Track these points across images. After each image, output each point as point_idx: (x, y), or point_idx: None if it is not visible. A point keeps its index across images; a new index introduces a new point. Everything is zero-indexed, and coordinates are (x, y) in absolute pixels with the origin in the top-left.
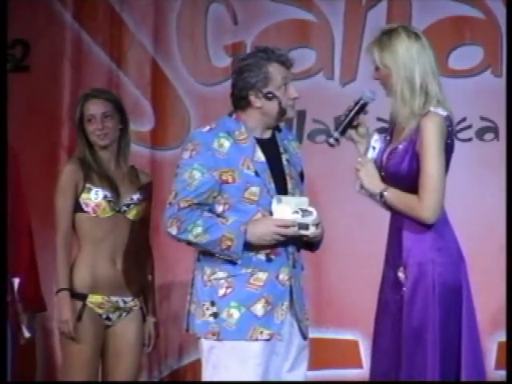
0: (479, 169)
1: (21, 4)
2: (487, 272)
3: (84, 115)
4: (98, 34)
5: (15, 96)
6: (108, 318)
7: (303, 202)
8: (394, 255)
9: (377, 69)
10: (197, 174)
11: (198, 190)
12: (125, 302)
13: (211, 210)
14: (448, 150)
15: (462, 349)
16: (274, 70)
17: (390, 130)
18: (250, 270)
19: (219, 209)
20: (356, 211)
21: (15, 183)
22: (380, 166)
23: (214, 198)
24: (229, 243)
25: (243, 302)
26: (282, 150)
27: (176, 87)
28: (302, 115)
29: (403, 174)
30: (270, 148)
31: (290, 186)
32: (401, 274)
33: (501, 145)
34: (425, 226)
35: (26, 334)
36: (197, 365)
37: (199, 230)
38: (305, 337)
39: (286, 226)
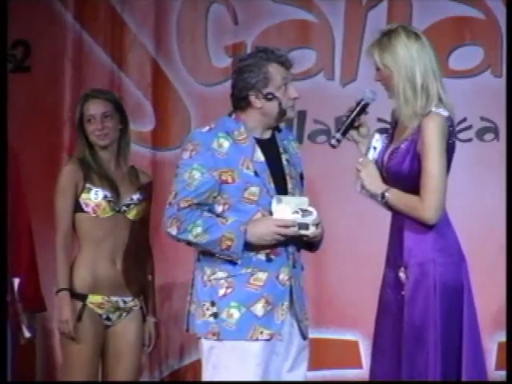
0: (479, 169)
1: (22, 4)
2: (487, 272)
3: (84, 115)
4: (99, 34)
5: (16, 96)
6: (108, 318)
7: (303, 201)
8: (395, 255)
9: (378, 70)
10: (196, 174)
11: (197, 190)
12: (125, 302)
13: (211, 210)
14: (449, 150)
15: (463, 349)
16: (274, 71)
17: (391, 130)
18: (249, 270)
19: (219, 209)
20: (356, 211)
21: (15, 183)
22: (381, 166)
23: (214, 198)
24: (229, 243)
25: (243, 302)
26: (281, 150)
27: (176, 87)
28: (302, 116)
29: (404, 174)
30: (270, 148)
31: (289, 185)
32: (402, 274)
33: (501, 145)
34: (426, 226)
35: (27, 334)
36: (197, 365)
37: (199, 230)
38: (305, 337)
39: (286, 226)
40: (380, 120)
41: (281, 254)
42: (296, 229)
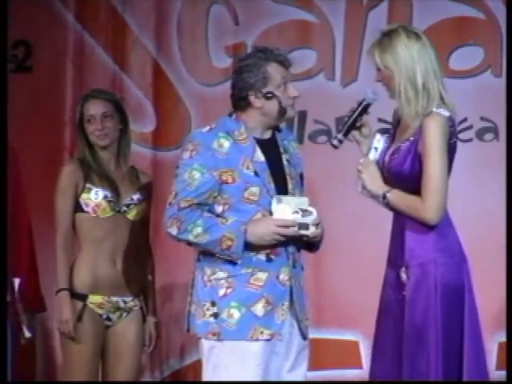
0: (479, 169)
1: (23, 4)
2: (487, 272)
3: (84, 115)
4: (101, 35)
5: (17, 96)
6: (108, 318)
7: (303, 202)
8: (397, 255)
9: (378, 70)
10: (197, 174)
11: (198, 190)
12: (125, 302)
13: (211, 211)
14: (451, 151)
15: (464, 349)
16: (273, 70)
17: (392, 131)
18: (250, 270)
19: (219, 209)
20: (356, 211)
21: (15, 183)
22: (382, 166)
23: (214, 198)
24: (229, 243)
25: (243, 302)
26: (282, 150)
27: (177, 88)
28: (302, 116)
29: (405, 174)
30: (270, 148)
31: (290, 185)
32: (403, 275)
33: (501, 145)
34: (427, 227)
35: (27, 334)
36: (198, 365)
37: (199, 230)
38: (305, 337)
39: (287, 226)
40: (381, 120)
41: (281, 254)
42: (296, 229)
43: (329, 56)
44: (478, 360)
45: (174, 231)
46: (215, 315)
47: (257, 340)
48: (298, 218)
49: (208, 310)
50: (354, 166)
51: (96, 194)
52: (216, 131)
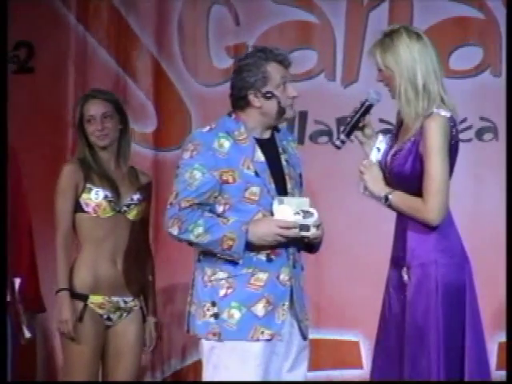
0: (478, 169)
1: (24, 5)
2: (487, 272)
3: (84, 116)
4: (103, 35)
5: (20, 97)
6: (109, 319)
7: (304, 202)
8: (399, 256)
9: (380, 71)
10: (197, 174)
11: (198, 189)
12: (125, 302)
13: (212, 211)
14: (452, 152)
15: (465, 350)
16: (273, 70)
17: (395, 131)
18: (250, 271)
19: (219, 209)
20: (357, 212)
21: (16, 183)
22: (384, 166)
23: (215, 198)
24: (230, 243)
25: (244, 302)
26: (281, 150)
27: (178, 88)
28: (303, 116)
29: (406, 175)
30: (270, 148)
31: (289, 186)
32: (404, 275)
33: (500, 145)
34: (429, 227)
35: (27, 335)
36: (198, 365)
37: (200, 229)
38: (305, 337)
39: (288, 228)
40: (382, 121)
41: (281, 255)
42: (297, 230)
43: (329, 56)
44: (479, 360)
45: (175, 231)
46: (215, 315)
47: (257, 340)
48: (300, 219)
49: (208, 310)
50: (355, 166)
51: (96, 194)
52: (216, 131)
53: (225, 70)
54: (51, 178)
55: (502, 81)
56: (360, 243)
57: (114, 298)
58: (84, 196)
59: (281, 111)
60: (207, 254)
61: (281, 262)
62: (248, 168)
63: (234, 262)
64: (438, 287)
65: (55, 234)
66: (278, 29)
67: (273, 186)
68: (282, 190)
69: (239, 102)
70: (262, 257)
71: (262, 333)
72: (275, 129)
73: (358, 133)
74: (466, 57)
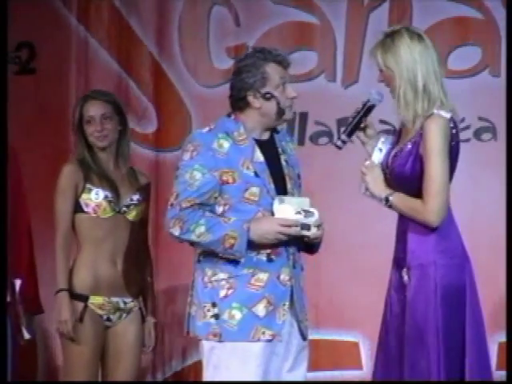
0: (477, 169)
1: (26, 6)
2: (486, 272)
3: (83, 116)
4: (104, 36)
5: (21, 98)
6: (108, 319)
7: (305, 202)
8: (399, 257)
9: (381, 71)
10: (198, 175)
11: (199, 190)
12: (125, 303)
13: (212, 211)
14: (453, 153)
15: (466, 350)
16: (272, 70)
17: (397, 132)
18: (251, 271)
19: (219, 209)
20: (357, 212)
21: (16, 184)
22: (386, 167)
23: (215, 198)
24: (232, 241)
25: (245, 302)
26: (280, 150)
27: (178, 89)
28: (303, 117)
29: (407, 176)
30: (269, 148)
31: (289, 186)
32: (404, 276)
33: (499, 145)
34: (429, 228)
35: (26, 336)
36: (199, 365)
37: (202, 229)
38: (304, 337)
39: (289, 226)
40: (382, 122)
41: (281, 255)
42: (298, 229)
43: (330, 57)
44: (480, 360)
45: (176, 231)
46: (216, 316)
47: (258, 340)
48: (301, 218)
49: (209, 311)
50: (355, 167)
51: (97, 195)
52: (216, 132)
53: (225, 71)
54: (52, 178)
55: (501, 81)
56: (360, 244)
57: (114, 299)
58: (84, 196)
59: (280, 112)
60: (207, 254)
61: (281, 262)
62: (248, 168)
63: (234, 263)
64: (438, 288)
65: (55, 235)
66: (278, 30)
67: (272, 186)
68: (281, 191)
69: (238, 102)
70: (263, 257)
71: (263, 333)
72: (274, 130)
73: (359, 133)
74: (465, 57)
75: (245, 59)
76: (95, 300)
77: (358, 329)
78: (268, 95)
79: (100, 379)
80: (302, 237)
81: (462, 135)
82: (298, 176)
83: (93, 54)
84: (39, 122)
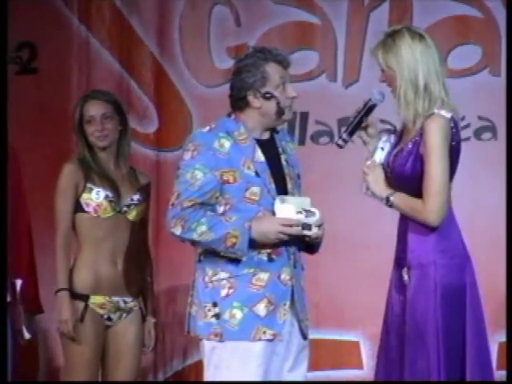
0: (477, 168)
1: (27, 6)
2: (486, 272)
3: (84, 116)
4: (105, 36)
5: (23, 98)
6: (109, 319)
7: (306, 202)
8: (400, 257)
9: (383, 71)
10: (199, 174)
11: (200, 189)
12: (125, 303)
13: (213, 211)
14: (453, 153)
15: (466, 350)
16: (272, 70)
17: (399, 131)
18: (251, 271)
19: (220, 209)
20: (358, 212)
21: (16, 184)
22: (387, 167)
23: (216, 198)
24: (234, 240)
25: (246, 302)
26: (280, 150)
27: (179, 89)
28: (304, 117)
29: (407, 176)
30: (269, 148)
31: (289, 186)
32: (405, 276)
33: (499, 144)
34: (429, 228)
35: (27, 336)
36: (200, 364)
37: (204, 228)
38: (305, 337)
39: (290, 226)
40: (382, 121)
41: (282, 254)
42: (299, 229)
43: (331, 57)
44: (481, 360)
45: (178, 231)
46: (217, 316)
47: (259, 340)
48: (302, 218)
49: (210, 310)
50: (356, 167)
51: (97, 194)
52: (216, 131)
53: (226, 71)
54: (53, 178)
55: (501, 80)
56: (360, 243)
57: (115, 298)
58: (84, 196)
59: (280, 112)
60: (208, 254)
61: (282, 262)
62: (248, 168)
63: (235, 262)
64: (437, 288)
65: (55, 234)
66: (279, 29)
67: (273, 186)
68: (282, 190)
69: (238, 102)
70: (264, 257)
71: (264, 333)
72: (274, 130)
73: (361, 132)
74: (465, 56)
75: (245, 59)
76: (96, 299)
77: (358, 328)
78: (268, 95)
79: (100, 379)
80: (303, 236)
81: (462, 134)
82: (298, 176)
83: (94, 54)
84: (40, 121)
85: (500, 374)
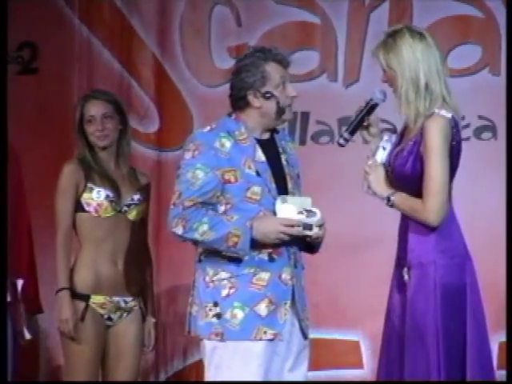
0: (477, 167)
1: (28, 6)
2: (486, 271)
3: (84, 116)
4: (106, 36)
5: (23, 98)
6: (109, 318)
7: (307, 202)
8: (401, 256)
9: (384, 71)
10: (200, 174)
11: (202, 189)
12: (126, 302)
13: (214, 210)
14: (454, 152)
15: (467, 350)
16: (272, 69)
17: (401, 131)
18: (252, 270)
19: (221, 209)
20: (358, 211)
21: (17, 184)
22: (388, 166)
23: (218, 197)
24: (235, 239)
25: (247, 302)
26: (280, 150)
27: (180, 89)
28: (305, 116)
29: (407, 175)
30: (270, 148)
31: (290, 185)
32: (405, 275)
33: (499, 143)
34: (429, 228)
35: (27, 336)
36: (200, 364)
37: (205, 227)
38: (305, 336)
39: (292, 226)
40: (382, 120)
41: (283, 254)
42: (301, 229)
43: (331, 57)
44: (482, 360)
45: (179, 231)
46: (218, 316)
47: (260, 340)
48: (303, 218)
49: (210, 310)
50: (356, 166)
51: (98, 194)
52: (217, 131)
53: (227, 71)
54: (53, 178)
55: (501, 79)
56: (361, 243)
57: (115, 298)
58: (85, 196)
59: (280, 111)
60: (209, 254)
61: (282, 262)
62: (249, 168)
63: (236, 262)
64: (437, 288)
65: (55, 234)
66: (279, 29)
67: (274, 185)
68: (282, 190)
69: (239, 102)
70: (264, 256)
71: (265, 333)
72: (274, 130)
73: (363, 132)
74: (465, 55)
75: (244, 59)
76: (96, 299)
77: (358, 328)
78: (268, 94)
79: (100, 379)
80: (304, 236)
81: (462, 134)
82: (298, 176)
83: (95, 54)
84: (41, 121)
85: (500, 374)
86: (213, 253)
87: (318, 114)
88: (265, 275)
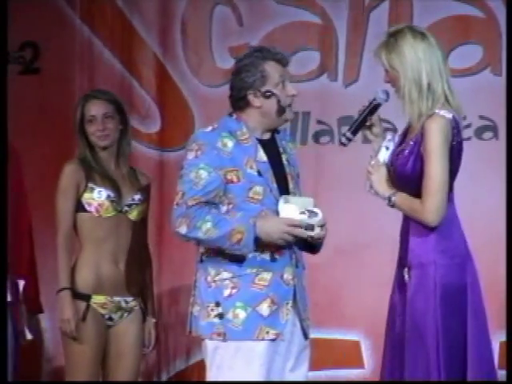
0: (478, 167)
1: (29, 6)
2: (486, 271)
3: (85, 116)
4: (107, 37)
5: (25, 98)
6: (110, 318)
7: (309, 202)
8: (402, 256)
9: (387, 72)
10: (203, 174)
11: (205, 188)
12: (126, 302)
13: (217, 209)
14: (454, 152)
15: (467, 350)
16: (271, 69)
17: (404, 131)
18: (254, 270)
19: (223, 209)
20: (359, 211)
21: (17, 184)
22: (390, 166)
23: (220, 197)
24: (239, 236)
25: (249, 302)
26: (281, 150)
27: (181, 89)
28: (306, 116)
29: (408, 175)
30: (271, 148)
31: (291, 185)
32: (405, 275)
33: (500, 144)
34: (429, 228)
35: (28, 336)
36: (202, 364)
37: (209, 225)
38: (306, 336)
39: (295, 226)
40: (383, 120)
41: (284, 254)
42: (303, 229)
43: (332, 57)
44: (483, 360)
45: (183, 230)
46: (220, 316)
47: (262, 340)
48: (305, 218)
49: (212, 310)
50: (357, 166)
51: (99, 194)
52: (219, 131)
53: (228, 71)
54: (54, 178)
55: (502, 79)
56: (361, 243)
57: (116, 298)
58: (86, 195)
59: (280, 110)
60: (210, 254)
61: (284, 262)
62: (251, 168)
63: (238, 262)
64: (437, 288)
65: (56, 234)
66: (280, 29)
67: (275, 185)
68: (284, 190)
69: (239, 102)
70: (266, 256)
71: (267, 332)
72: (275, 130)
73: (366, 131)
74: (466, 55)
75: (244, 59)
76: (97, 299)
77: (359, 328)
78: (268, 93)
79: (101, 379)
80: (306, 237)
81: (463, 134)
82: (298, 176)
83: (96, 54)
84: (43, 121)
85: (500, 374)
86: (215, 253)
87: (318, 113)
88: (267, 275)
